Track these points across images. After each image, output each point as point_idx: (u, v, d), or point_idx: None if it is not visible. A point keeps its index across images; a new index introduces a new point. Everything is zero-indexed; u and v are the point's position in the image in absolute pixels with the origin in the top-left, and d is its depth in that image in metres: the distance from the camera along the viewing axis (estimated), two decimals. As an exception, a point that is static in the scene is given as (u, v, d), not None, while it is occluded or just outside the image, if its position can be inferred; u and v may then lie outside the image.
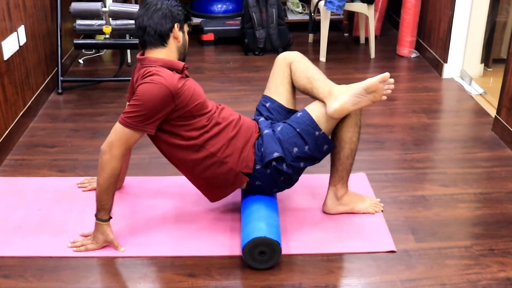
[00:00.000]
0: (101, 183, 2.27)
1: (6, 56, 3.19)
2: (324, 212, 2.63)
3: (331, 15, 4.64)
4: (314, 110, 2.42)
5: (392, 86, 2.37)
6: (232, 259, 2.35)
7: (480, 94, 3.98)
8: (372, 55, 4.73)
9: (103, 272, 2.32)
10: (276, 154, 2.37)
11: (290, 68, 2.56)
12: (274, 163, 2.39)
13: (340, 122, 2.46)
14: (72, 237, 2.45)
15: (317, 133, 2.39)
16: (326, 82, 2.45)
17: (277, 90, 2.59)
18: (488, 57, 4.33)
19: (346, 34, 5.36)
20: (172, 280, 2.25)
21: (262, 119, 2.56)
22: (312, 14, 4.83)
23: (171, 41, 2.37)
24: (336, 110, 2.36)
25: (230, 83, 4.24)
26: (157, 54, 2.36)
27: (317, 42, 4.85)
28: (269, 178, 2.43)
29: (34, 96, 3.65)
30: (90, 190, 2.79)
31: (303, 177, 2.90)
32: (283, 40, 4.84)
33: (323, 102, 2.41)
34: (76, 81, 4.17)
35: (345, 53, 4.91)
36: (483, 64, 4.27)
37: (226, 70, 4.51)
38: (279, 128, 2.44)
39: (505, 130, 3.30)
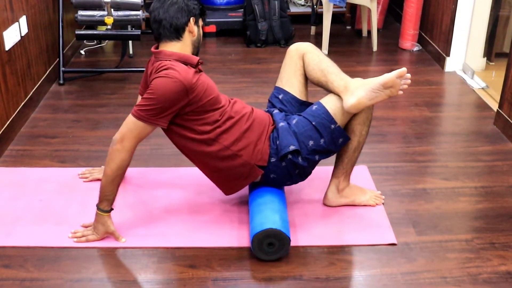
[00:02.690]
0: (109, 173, 2.27)
1: (7, 46, 3.19)
2: (325, 205, 2.63)
3: (334, 7, 4.62)
4: (330, 103, 2.41)
5: (409, 81, 2.35)
6: (233, 250, 2.36)
7: (482, 88, 3.97)
8: (374, 48, 4.72)
9: (104, 262, 2.32)
10: (292, 147, 2.36)
11: (303, 60, 2.54)
12: (289, 156, 2.38)
13: (352, 115, 2.45)
14: (73, 228, 2.45)
15: (332, 126, 2.38)
16: (341, 76, 2.42)
17: (290, 81, 2.58)
18: (491, 51, 4.32)
19: (348, 27, 5.35)
20: (172, 271, 2.25)
21: (276, 111, 2.54)
22: (315, 6, 4.82)
23: (186, 35, 2.36)
24: (353, 105, 2.35)
25: (232, 75, 4.24)
26: (171, 47, 2.35)
27: (319, 34, 4.83)
28: (284, 171, 2.42)
29: (36, 86, 3.65)
30: (91, 181, 2.79)
31: (304, 170, 2.90)
32: (285, 32, 4.83)
33: (338, 95, 2.40)
34: (78, 72, 4.17)
35: (347, 46, 4.90)
36: (485, 58, 4.26)
37: (228, 62, 4.50)
38: (294, 121, 2.43)
39: (507, 124, 3.29)
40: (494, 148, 3.20)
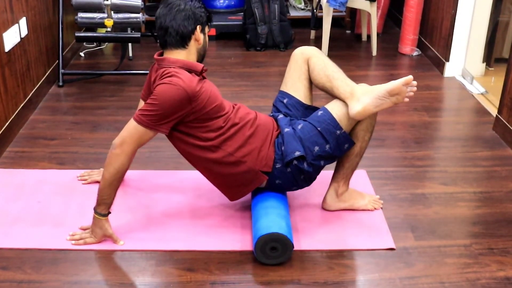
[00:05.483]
0: (107, 177, 2.26)
1: (7, 47, 3.19)
2: (324, 209, 2.63)
3: (333, 11, 4.63)
4: (336, 109, 2.40)
5: (415, 89, 2.33)
6: (231, 254, 2.35)
7: (482, 93, 3.97)
8: (374, 52, 4.72)
9: (102, 265, 2.32)
10: (297, 153, 2.35)
11: (308, 64, 2.53)
12: (295, 162, 2.37)
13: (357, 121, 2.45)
14: (71, 230, 2.45)
15: (338, 132, 2.38)
16: (347, 82, 2.41)
17: (294, 85, 2.57)
18: (490, 56, 4.33)
19: (348, 31, 5.35)
20: (170, 274, 2.25)
21: (281, 116, 2.53)
22: (314, 10, 4.83)
23: (192, 43, 2.35)
24: (358, 113, 2.34)
25: (232, 78, 4.24)
26: (176, 55, 2.34)
27: (319, 38, 4.84)
28: (290, 177, 2.42)
29: (35, 88, 3.65)
30: (89, 183, 2.79)
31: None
32: (285, 36, 4.83)
33: (343, 101, 2.39)
34: (77, 74, 4.17)
35: (346, 50, 4.90)
36: (484, 63, 4.27)
37: (228, 65, 4.50)
38: (299, 127, 2.42)
39: (506, 129, 3.30)
40: (493, 153, 3.20)
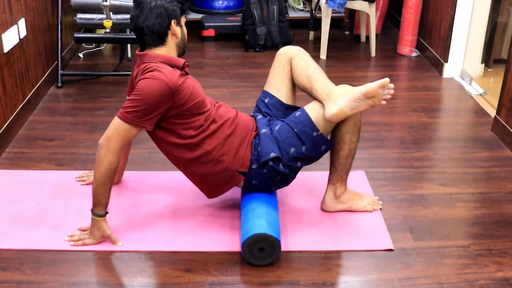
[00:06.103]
0: (98, 177, 2.27)
1: (6, 48, 3.19)
2: (323, 210, 2.63)
3: (332, 12, 4.63)
4: (313, 110, 2.39)
5: (392, 91, 2.34)
6: (229, 255, 2.35)
7: (480, 94, 3.98)
8: (373, 53, 4.73)
9: (101, 266, 2.32)
10: (272, 154, 2.36)
11: (291, 64, 2.54)
12: (270, 163, 2.37)
13: (340, 122, 2.43)
14: (70, 231, 2.45)
15: (315, 134, 2.37)
16: (326, 83, 2.41)
17: (277, 86, 2.57)
18: (489, 57, 4.33)
19: (347, 32, 5.36)
20: (169, 275, 2.25)
21: (260, 116, 2.54)
22: (313, 11, 4.83)
23: (169, 38, 2.36)
24: (334, 114, 2.33)
25: (230, 79, 4.24)
26: (157, 51, 2.35)
27: (317, 39, 4.84)
28: (266, 177, 2.42)
29: (34, 89, 3.65)
30: (88, 183, 2.79)
31: (301, 175, 2.89)
32: (284, 37, 4.83)
33: (322, 103, 2.40)
34: (76, 75, 4.17)
35: (345, 51, 4.90)
36: (483, 64, 4.27)
37: (226, 66, 4.50)
38: (277, 128, 2.42)
39: (505, 130, 3.30)
40: (492, 154, 3.20)
